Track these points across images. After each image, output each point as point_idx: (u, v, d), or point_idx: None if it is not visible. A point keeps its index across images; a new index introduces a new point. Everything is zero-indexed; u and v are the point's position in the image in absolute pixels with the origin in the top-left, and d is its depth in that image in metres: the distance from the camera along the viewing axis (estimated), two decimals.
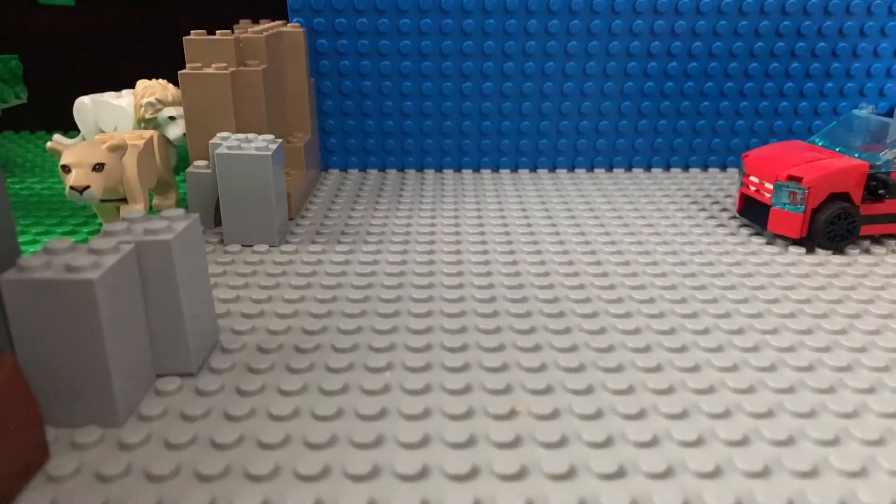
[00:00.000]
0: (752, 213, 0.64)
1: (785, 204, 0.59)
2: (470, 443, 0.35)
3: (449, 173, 0.86)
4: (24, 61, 0.90)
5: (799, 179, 0.59)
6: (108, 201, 0.61)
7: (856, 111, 0.68)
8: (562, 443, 0.35)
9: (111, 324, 0.35)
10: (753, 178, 0.63)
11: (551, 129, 0.85)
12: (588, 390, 0.39)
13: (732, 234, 0.64)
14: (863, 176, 0.59)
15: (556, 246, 0.61)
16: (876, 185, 0.59)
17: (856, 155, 0.61)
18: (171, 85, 0.75)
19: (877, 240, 0.62)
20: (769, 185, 0.61)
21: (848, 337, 0.46)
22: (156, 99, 0.73)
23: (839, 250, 0.60)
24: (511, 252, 0.60)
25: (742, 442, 0.35)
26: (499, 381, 0.40)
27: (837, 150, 0.63)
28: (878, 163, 0.59)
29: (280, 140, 0.62)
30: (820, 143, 0.65)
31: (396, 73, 0.83)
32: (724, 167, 0.88)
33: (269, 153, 0.58)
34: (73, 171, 0.56)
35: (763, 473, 0.33)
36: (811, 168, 0.59)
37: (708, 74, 0.84)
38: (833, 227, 0.59)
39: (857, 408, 0.38)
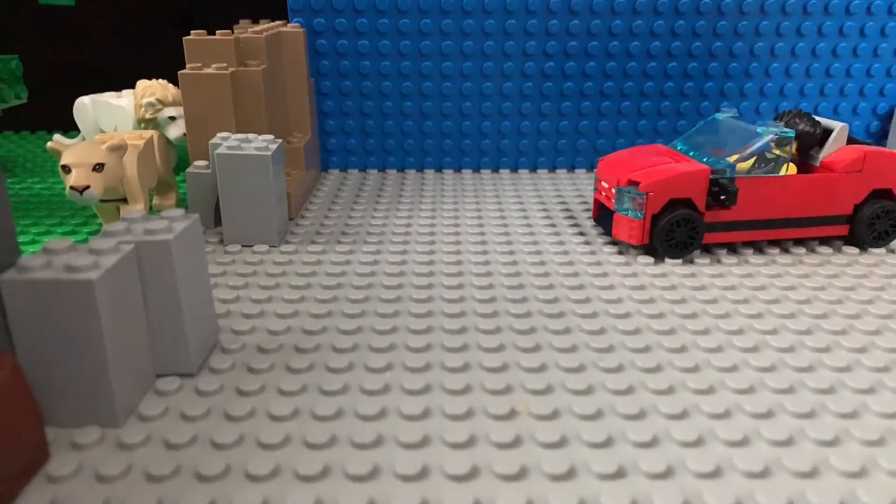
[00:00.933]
0: (603, 219, 0.62)
1: (627, 210, 0.57)
2: (470, 443, 0.35)
3: (449, 173, 0.86)
4: (23, 61, 0.90)
5: (637, 184, 0.56)
6: (108, 201, 0.61)
7: (717, 114, 0.65)
8: (562, 443, 0.35)
9: (111, 324, 0.35)
10: (603, 184, 0.61)
11: (551, 129, 0.85)
12: (588, 390, 0.39)
13: None
14: (705, 181, 0.56)
15: (556, 246, 0.61)
16: (718, 191, 0.56)
17: (704, 160, 0.58)
18: (171, 85, 0.75)
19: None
20: (614, 191, 0.59)
21: (848, 337, 0.46)
22: (156, 99, 0.73)
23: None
24: (511, 252, 0.60)
25: (742, 442, 0.35)
26: (499, 381, 0.40)
27: (691, 154, 0.60)
28: (721, 168, 0.56)
29: (280, 140, 0.62)
30: (679, 147, 0.63)
31: (396, 74, 0.83)
32: None
33: (269, 153, 0.59)
34: (73, 171, 0.56)
35: (763, 473, 0.33)
36: (650, 173, 0.57)
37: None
38: (673, 234, 0.56)
39: (857, 408, 0.38)
